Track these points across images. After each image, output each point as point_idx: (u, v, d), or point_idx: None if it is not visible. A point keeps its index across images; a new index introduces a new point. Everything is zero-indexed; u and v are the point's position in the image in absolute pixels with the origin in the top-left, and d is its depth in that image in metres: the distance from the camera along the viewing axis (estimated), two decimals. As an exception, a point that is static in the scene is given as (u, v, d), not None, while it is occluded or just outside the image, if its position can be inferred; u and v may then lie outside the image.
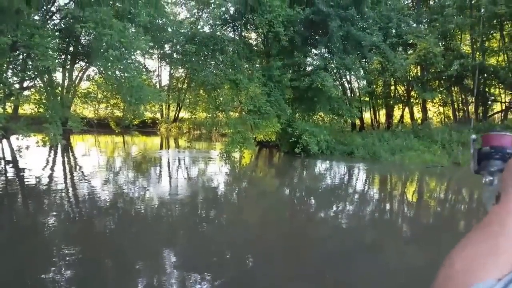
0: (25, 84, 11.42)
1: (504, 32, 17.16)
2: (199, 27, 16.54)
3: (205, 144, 21.19)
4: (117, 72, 10.98)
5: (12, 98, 10.25)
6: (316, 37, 16.29)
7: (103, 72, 12.19)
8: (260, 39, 17.52)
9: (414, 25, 18.55)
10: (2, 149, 13.49)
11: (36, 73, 10.71)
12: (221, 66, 15.26)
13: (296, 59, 15.67)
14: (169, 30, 15.28)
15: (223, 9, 15.63)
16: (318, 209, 7.77)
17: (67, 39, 13.18)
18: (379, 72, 20.06)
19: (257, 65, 16.76)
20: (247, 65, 15.90)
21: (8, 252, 4.42)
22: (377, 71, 20.25)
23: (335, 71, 17.61)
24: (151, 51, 17.56)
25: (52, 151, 13.72)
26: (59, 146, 11.84)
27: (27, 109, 12.96)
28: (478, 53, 18.08)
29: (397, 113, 22.45)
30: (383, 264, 4.60)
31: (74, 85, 15.13)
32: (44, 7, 11.95)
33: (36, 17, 10.44)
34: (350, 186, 10.53)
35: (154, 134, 25.58)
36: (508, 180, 0.56)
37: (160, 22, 14.22)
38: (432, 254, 4.96)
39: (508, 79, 16.81)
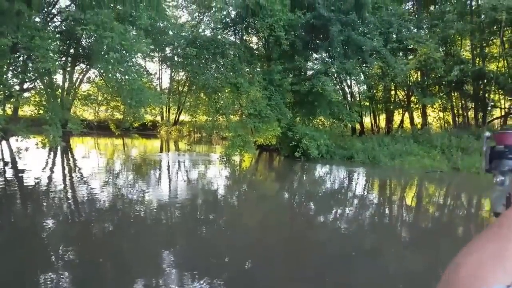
0: (25, 86, 11.40)
1: (504, 38, 17.20)
2: (200, 30, 16.57)
3: (205, 147, 21.17)
4: (117, 75, 10.96)
5: (12, 99, 10.23)
6: (317, 41, 16.32)
7: (104, 74, 12.18)
8: (261, 43, 17.55)
9: (415, 30, 18.61)
10: (2, 151, 13.45)
11: (36, 75, 10.70)
12: (222, 69, 15.26)
13: (296, 63, 15.68)
14: (170, 33, 15.30)
15: (224, 12, 15.66)
16: (317, 213, 7.74)
17: (67, 41, 13.19)
18: (380, 77, 20.08)
19: (258, 69, 16.77)
20: (248, 69, 15.91)
21: (7, 253, 4.38)
22: (377, 76, 20.28)
23: (335, 75, 17.65)
24: (152, 54, 17.59)
25: (52, 153, 13.67)
26: (59, 148, 11.80)
27: (27, 110, 12.93)
28: (478, 59, 18.13)
29: (397, 118, 22.45)
30: (382, 268, 4.60)
31: (74, 87, 15.12)
32: (45, 9, 11.97)
33: (37, 19, 10.46)
34: (349, 191, 10.50)
35: (154, 137, 25.56)
36: None
37: (161, 25, 14.25)
38: (431, 258, 4.98)
39: (507, 85, 16.83)
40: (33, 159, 11.55)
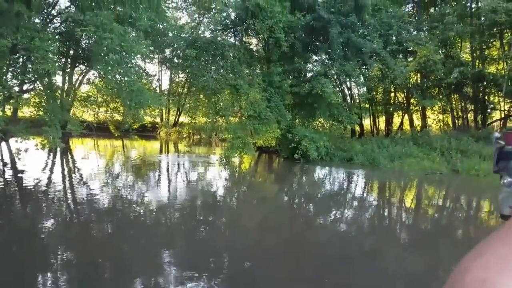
0: (24, 87, 11.41)
1: (504, 41, 17.23)
2: (199, 32, 16.62)
3: (204, 149, 21.15)
4: (117, 76, 10.97)
5: (11, 100, 10.24)
6: (317, 43, 16.34)
7: (103, 75, 12.19)
8: (261, 45, 17.57)
9: (415, 32, 18.64)
10: (1, 152, 13.43)
11: (36, 76, 10.71)
12: (221, 71, 15.28)
13: (296, 65, 15.70)
14: (170, 34, 15.35)
15: (224, 14, 15.70)
16: (317, 214, 7.72)
17: (67, 43, 13.22)
18: (379, 79, 20.10)
19: (257, 71, 16.79)
20: (247, 71, 15.93)
21: (5, 254, 4.37)
22: (377, 78, 20.30)
23: (335, 77, 17.66)
24: (152, 55, 17.64)
25: (51, 154, 13.66)
26: (58, 149, 11.79)
27: (26, 112, 12.93)
28: (478, 61, 18.16)
29: (396, 120, 22.47)
30: (382, 269, 4.59)
31: (74, 88, 15.14)
32: (45, 11, 11.99)
33: (37, 20, 10.47)
34: (349, 193, 10.48)
35: (154, 138, 25.54)
36: None
37: (161, 26, 14.29)
38: (431, 260, 4.98)
39: (507, 87, 16.84)
40: (33, 160, 11.53)
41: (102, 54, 10.08)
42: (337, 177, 13.17)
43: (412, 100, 20.00)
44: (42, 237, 5.18)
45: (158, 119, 26.91)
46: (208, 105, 15.76)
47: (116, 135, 16.58)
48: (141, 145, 21.56)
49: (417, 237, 6.28)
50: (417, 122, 21.22)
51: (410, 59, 18.10)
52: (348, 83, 20.87)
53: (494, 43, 18.33)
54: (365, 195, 10.29)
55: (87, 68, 14.46)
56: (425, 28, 19.39)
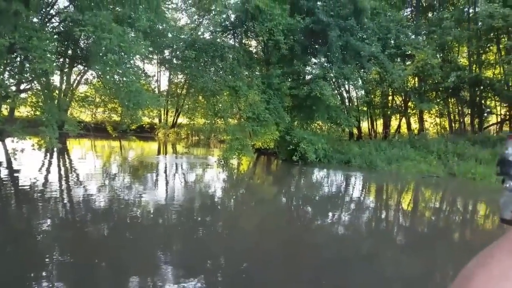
0: (22, 87, 11.33)
1: (500, 46, 17.38)
2: (199, 33, 16.61)
3: (203, 150, 21.10)
4: (115, 76, 10.92)
5: (8, 100, 10.15)
6: (316, 46, 16.39)
7: (101, 76, 12.13)
8: (260, 47, 17.59)
9: (413, 36, 18.76)
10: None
11: (33, 75, 10.63)
12: (220, 72, 15.27)
13: (295, 68, 15.72)
14: (169, 35, 15.32)
15: (224, 16, 15.71)
16: (315, 217, 7.72)
17: (65, 42, 13.14)
18: (377, 82, 20.19)
19: (256, 73, 16.80)
20: (246, 72, 15.94)
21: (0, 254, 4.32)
22: (375, 81, 20.38)
23: (333, 80, 17.72)
24: (151, 56, 17.61)
25: (48, 155, 13.56)
26: (55, 149, 11.71)
27: (23, 111, 12.83)
28: (475, 66, 18.30)
29: (394, 123, 22.57)
30: (379, 271, 4.59)
31: (71, 88, 15.06)
32: (43, 10, 11.93)
33: (35, 20, 10.41)
34: (347, 195, 10.50)
35: (152, 139, 25.44)
36: None
37: (160, 27, 14.25)
38: (428, 263, 5.00)
39: (503, 92, 16.97)
40: (29, 161, 11.44)
41: (101, 54, 10.04)
42: (335, 179, 13.18)
43: (409, 104, 20.10)
44: (36, 238, 5.12)
45: (156, 120, 26.83)
46: (207, 106, 15.73)
47: (113, 135, 16.49)
48: (139, 146, 21.48)
49: (413, 240, 6.30)
50: (415, 125, 21.33)
51: (408, 63, 18.21)
52: (346, 86, 20.95)
53: (491, 48, 18.48)
54: (362, 197, 10.31)
55: (85, 68, 14.38)
56: (423, 32, 19.52)
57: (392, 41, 17.63)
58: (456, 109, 20.10)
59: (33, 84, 11.59)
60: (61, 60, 13.72)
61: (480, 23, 16.29)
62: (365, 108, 21.94)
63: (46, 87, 11.50)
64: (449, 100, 19.60)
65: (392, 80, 16.52)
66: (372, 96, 21.74)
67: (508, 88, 17.51)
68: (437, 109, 20.29)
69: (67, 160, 14.21)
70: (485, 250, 0.47)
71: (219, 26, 15.86)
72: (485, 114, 19.29)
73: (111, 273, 4.24)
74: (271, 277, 4.29)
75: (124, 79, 10.76)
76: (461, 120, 19.74)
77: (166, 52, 18.03)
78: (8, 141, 11.56)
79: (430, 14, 21.26)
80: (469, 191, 11.56)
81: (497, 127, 19.20)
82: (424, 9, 21.54)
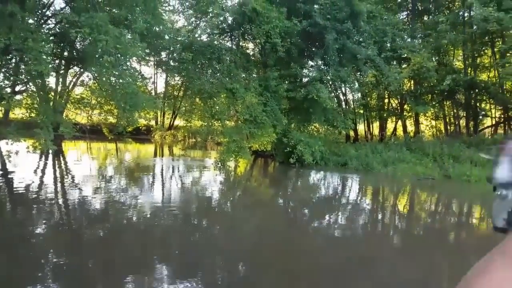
0: (17, 88, 11.21)
1: (495, 49, 17.55)
2: (196, 35, 16.55)
3: (200, 153, 21.05)
4: (111, 78, 10.85)
5: (3, 102, 10.03)
6: (313, 49, 16.44)
7: (98, 78, 12.05)
8: (257, 49, 17.60)
9: (409, 39, 18.89)
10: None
11: (28, 77, 10.53)
12: (217, 74, 15.25)
13: (292, 70, 15.76)
14: (166, 37, 15.25)
15: (221, 18, 15.69)
16: (311, 219, 7.71)
17: (61, 44, 13.03)
18: (373, 85, 20.31)
19: (253, 75, 16.80)
20: (244, 75, 15.92)
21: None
22: (371, 84, 20.50)
23: (330, 83, 17.77)
24: (147, 58, 17.53)
25: (43, 157, 13.44)
26: (50, 151, 11.60)
27: (18, 113, 12.70)
28: (470, 69, 18.44)
29: (390, 125, 22.68)
30: (375, 274, 4.61)
31: (67, 90, 14.94)
32: (39, 11, 11.85)
33: (31, 21, 10.31)
34: (343, 197, 10.53)
35: (148, 141, 25.34)
36: None
37: (157, 29, 14.17)
38: (425, 265, 5.03)
39: (498, 95, 17.13)
40: (24, 163, 11.33)
41: (97, 56, 9.97)
42: (331, 181, 13.20)
43: (405, 106, 20.22)
44: (30, 240, 5.06)
45: (153, 122, 26.68)
46: (204, 108, 15.68)
47: (109, 138, 16.37)
48: (135, 148, 21.37)
49: (410, 243, 6.32)
50: (410, 128, 21.44)
51: (404, 66, 18.32)
52: (343, 89, 21.04)
53: (486, 51, 18.67)
54: (358, 199, 10.34)
55: (81, 70, 14.30)
56: (419, 35, 19.67)
57: (388, 44, 17.75)
58: (452, 112, 20.26)
59: (28, 86, 11.47)
60: (57, 61, 13.59)
61: (475, 27, 16.43)
62: (361, 111, 22.04)
63: (42, 89, 11.39)
64: (445, 103, 19.74)
65: (388, 83, 16.60)
66: (369, 99, 21.86)
67: (503, 91, 17.69)
68: (432, 111, 20.43)
69: (62, 163, 14.10)
70: (484, 259, 0.46)
71: (216, 28, 15.85)
72: (480, 117, 19.44)
73: (105, 275, 4.19)
74: (267, 281, 4.26)
75: (121, 81, 10.69)
76: (457, 123, 19.89)
77: (163, 54, 17.97)
78: (2, 143, 11.42)
79: (425, 18, 21.43)
80: (464, 193, 11.63)
81: (492, 129, 19.36)
82: (419, 12, 21.71)
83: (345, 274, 4.61)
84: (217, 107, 15.07)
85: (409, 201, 10.64)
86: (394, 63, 18.40)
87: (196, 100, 17.28)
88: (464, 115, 19.38)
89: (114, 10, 11.19)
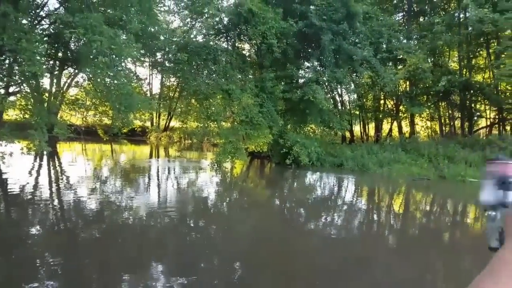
0: (10, 89, 11.11)
1: (490, 50, 17.66)
2: (192, 36, 16.52)
3: (196, 154, 20.99)
4: (106, 79, 10.79)
5: (-4, 103, 9.93)
6: (309, 50, 16.45)
7: (92, 78, 11.97)
8: (253, 50, 17.58)
9: (404, 41, 18.97)
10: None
11: (22, 78, 10.44)
12: (213, 75, 15.21)
13: (288, 71, 15.75)
14: (161, 38, 15.19)
15: (217, 19, 15.67)
16: (307, 220, 7.71)
17: (55, 45, 12.94)
18: (369, 86, 20.37)
19: (249, 76, 16.78)
20: (239, 76, 15.89)
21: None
22: (367, 85, 20.56)
23: (326, 84, 17.79)
24: (142, 58, 17.44)
25: (38, 158, 13.32)
26: (45, 153, 11.50)
27: (12, 114, 12.59)
28: (465, 70, 18.55)
29: (385, 126, 22.78)
30: (371, 274, 4.63)
31: (62, 91, 14.83)
32: (33, 12, 11.75)
33: (24, 21, 10.21)
34: (339, 198, 10.55)
35: (144, 143, 25.22)
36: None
37: (152, 30, 14.11)
38: (420, 265, 5.04)
39: (493, 96, 17.23)
40: (18, 165, 11.22)
41: (91, 56, 9.89)
42: (327, 182, 13.21)
43: (401, 107, 20.30)
44: (25, 241, 5.00)
45: (148, 124, 26.55)
46: (200, 109, 15.64)
47: (104, 139, 16.27)
48: (130, 150, 21.25)
49: (405, 242, 6.34)
50: (406, 128, 21.52)
51: (399, 67, 18.38)
52: (339, 90, 21.09)
53: (481, 52, 18.78)
54: (354, 200, 10.35)
55: (76, 70, 14.20)
56: (414, 36, 19.77)
57: (384, 46, 17.80)
58: (447, 113, 20.36)
59: (22, 87, 11.38)
60: (51, 62, 13.51)
61: (470, 28, 16.52)
62: (357, 112, 22.11)
63: (36, 90, 11.30)
64: (440, 103, 19.84)
65: (384, 84, 16.66)
66: (364, 100, 21.92)
67: (498, 92, 17.80)
68: (428, 112, 20.53)
69: (57, 164, 13.98)
70: (474, 282, 0.47)
71: (212, 29, 15.82)
72: (475, 118, 19.56)
73: (100, 276, 4.15)
74: (263, 283, 4.24)
75: (115, 82, 10.63)
76: (452, 124, 19.99)
77: (158, 55, 17.89)
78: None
79: (421, 19, 21.53)
80: (459, 194, 11.69)
81: (487, 130, 19.47)
82: (415, 14, 21.82)
83: (341, 274, 4.62)
84: (213, 108, 15.03)
85: (404, 201, 10.67)
86: (390, 64, 18.47)
87: (192, 101, 17.24)
88: (459, 116, 19.48)
89: (108, 10, 11.13)
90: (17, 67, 9.94)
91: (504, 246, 0.52)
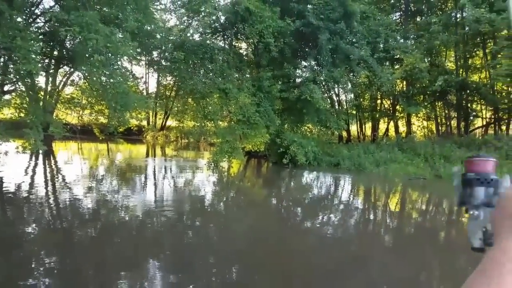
0: (5, 88, 11.03)
1: (486, 50, 17.72)
2: (188, 34, 16.44)
3: (192, 153, 20.94)
4: (102, 78, 10.72)
5: (-9, 101, 9.84)
6: (306, 49, 16.44)
7: (88, 77, 11.90)
8: (250, 49, 17.55)
9: (401, 40, 18.98)
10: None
11: (17, 76, 10.36)
12: (210, 74, 15.15)
13: (285, 71, 15.74)
14: (158, 36, 15.10)
15: (214, 17, 15.61)
16: (304, 219, 7.70)
17: (51, 43, 12.86)
18: (366, 85, 20.40)
19: (247, 75, 16.74)
20: (236, 75, 15.85)
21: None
22: (364, 84, 20.58)
23: (323, 83, 17.79)
24: (139, 57, 17.35)
25: (33, 157, 13.22)
26: (40, 152, 11.42)
27: (7, 113, 12.50)
28: (461, 70, 18.61)
29: (382, 126, 22.82)
30: (368, 273, 4.63)
31: (57, 90, 14.72)
32: (28, 10, 11.65)
33: (19, 19, 10.12)
34: (335, 197, 10.55)
35: (140, 142, 25.12)
36: (501, 221, 0.52)
37: (149, 28, 14.03)
38: (416, 264, 5.05)
39: (489, 96, 17.30)
40: (13, 163, 11.14)
41: (87, 55, 9.84)
42: (324, 181, 13.22)
43: (397, 107, 20.34)
44: (21, 240, 4.96)
45: (144, 123, 26.44)
46: (197, 108, 15.58)
47: (100, 138, 16.19)
48: (126, 149, 21.15)
49: (400, 241, 6.37)
50: (402, 128, 21.59)
51: (396, 66, 18.42)
52: (336, 90, 21.11)
53: (478, 52, 18.85)
54: (351, 199, 10.37)
55: (72, 69, 14.10)
56: (411, 36, 19.79)
57: (381, 45, 17.81)
58: (443, 113, 20.42)
59: (17, 85, 11.30)
60: (47, 61, 13.42)
61: (467, 28, 16.57)
62: (354, 112, 22.14)
63: (31, 89, 11.21)
64: (436, 103, 19.89)
65: (380, 83, 16.68)
66: (361, 100, 21.95)
67: (494, 92, 17.88)
68: (424, 112, 20.59)
69: (53, 163, 13.89)
70: (465, 283, 0.47)
71: (208, 27, 15.76)
72: (471, 118, 19.63)
73: (96, 274, 4.11)
74: (260, 283, 4.23)
75: (111, 80, 10.56)
76: (448, 123, 20.06)
77: (155, 54, 17.81)
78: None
79: (418, 19, 21.57)
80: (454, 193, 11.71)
81: (483, 130, 19.56)
82: (412, 13, 21.85)
83: (338, 273, 4.62)
84: (210, 108, 14.98)
85: (401, 200, 10.70)
86: (387, 63, 18.49)
87: (189, 100, 17.17)
88: (456, 115, 19.55)
89: (104, 8, 11.06)
90: (12, 66, 9.87)
91: (494, 246, 0.52)
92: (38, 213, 6.62)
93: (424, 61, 17.62)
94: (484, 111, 19.97)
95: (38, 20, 12.48)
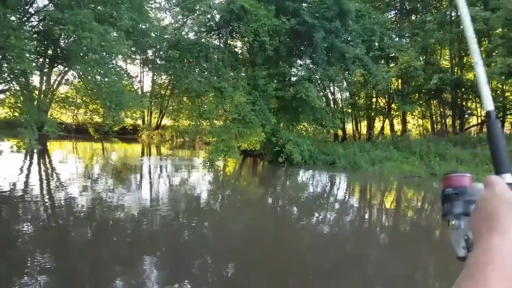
0: (-1, 87, 10.95)
1: (481, 48, 17.80)
2: (183, 33, 16.38)
3: (188, 152, 20.91)
4: (97, 77, 10.67)
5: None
6: (301, 47, 16.44)
7: (82, 76, 11.84)
8: (246, 48, 17.52)
9: (397, 39, 19.05)
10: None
11: (11, 76, 10.29)
12: (205, 73, 15.12)
13: (281, 69, 15.73)
14: (153, 35, 15.03)
15: (209, 16, 15.57)
16: (300, 218, 7.73)
17: (45, 42, 12.76)
18: (362, 84, 20.44)
19: (242, 74, 16.72)
20: (232, 73, 15.83)
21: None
22: (359, 83, 20.63)
23: (319, 82, 17.81)
24: (133, 56, 17.27)
25: (28, 157, 13.15)
26: (35, 151, 11.36)
27: (1, 112, 12.43)
28: (456, 68, 18.70)
29: (378, 124, 22.91)
30: (364, 271, 4.66)
31: (52, 89, 14.63)
32: (22, 8, 11.56)
33: (13, 18, 10.03)
34: (331, 196, 10.60)
35: (135, 141, 25.01)
36: (477, 224, 0.54)
37: (143, 27, 13.96)
38: (412, 262, 5.10)
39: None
40: (8, 163, 11.07)
41: (81, 54, 9.78)
42: (320, 180, 13.27)
43: (393, 105, 20.42)
44: (16, 239, 4.94)
45: (139, 122, 26.34)
46: (192, 107, 15.54)
47: (95, 137, 16.12)
48: (121, 148, 21.07)
49: (396, 239, 6.41)
50: (398, 126, 21.68)
51: (391, 65, 18.47)
52: (331, 88, 21.15)
53: (472, 50, 18.90)
54: (346, 198, 10.42)
55: (66, 68, 14.02)
56: (406, 34, 19.85)
57: (376, 43, 17.86)
58: (438, 111, 20.54)
59: (11, 85, 11.22)
60: (41, 60, 13.33)
61: (462, 26, 16.58)
62: (349, 110, 22.20)
63: (25, 88, 11.14)
64: (432, 101, 19.99)
65: (376, 82, 16.72)
66: (357, 98, 22.02)
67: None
68: (419, 110, 20.68)
69: (47, 162, 13.82)
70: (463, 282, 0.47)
71: (203, 26, 15.72)
72: (466, 116, 19.76)
73: (91, 274, 4.11)
74: (256, 282, 4.25)
75: (106, 79, 10.51)
76: (443, 122, 20.18)
77: (149, 52, 17.74)
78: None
79: (413, 17, 21.64)
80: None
81: (478, 128, 19.69)
82: (407, 11, 21.93)
83: (334, 271, 4.64)
84: (205, 106, 14.96)
85: (396, 198, 10.76)
86: (382, 62, 18.55)
87: (184, 99, 17.13)
88: (451, 114, 19.67)
89: (98, 7, 10.98)
90: (6, 65, 9.80)
91: (475, 249, 0.53)
92: (33, 212, 6.60)
93: (419, 59, 17.70)
94: (479, 109, 20.07)
95: (32, 19, 12.40)
